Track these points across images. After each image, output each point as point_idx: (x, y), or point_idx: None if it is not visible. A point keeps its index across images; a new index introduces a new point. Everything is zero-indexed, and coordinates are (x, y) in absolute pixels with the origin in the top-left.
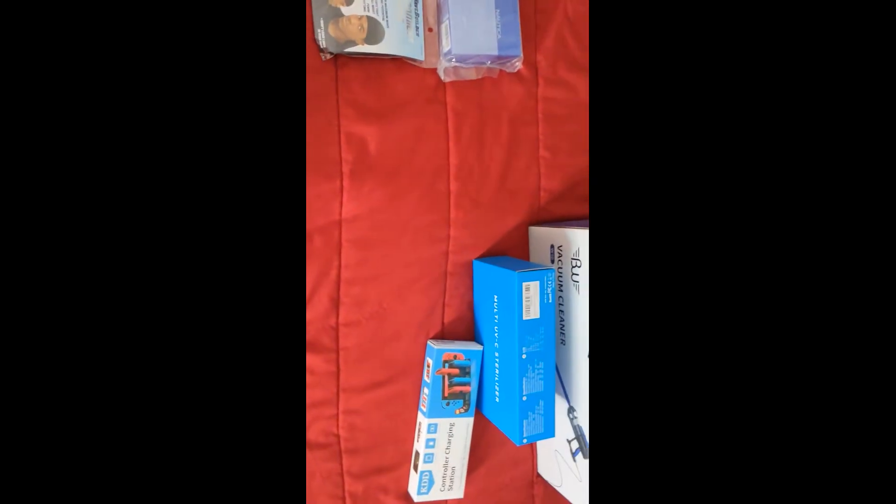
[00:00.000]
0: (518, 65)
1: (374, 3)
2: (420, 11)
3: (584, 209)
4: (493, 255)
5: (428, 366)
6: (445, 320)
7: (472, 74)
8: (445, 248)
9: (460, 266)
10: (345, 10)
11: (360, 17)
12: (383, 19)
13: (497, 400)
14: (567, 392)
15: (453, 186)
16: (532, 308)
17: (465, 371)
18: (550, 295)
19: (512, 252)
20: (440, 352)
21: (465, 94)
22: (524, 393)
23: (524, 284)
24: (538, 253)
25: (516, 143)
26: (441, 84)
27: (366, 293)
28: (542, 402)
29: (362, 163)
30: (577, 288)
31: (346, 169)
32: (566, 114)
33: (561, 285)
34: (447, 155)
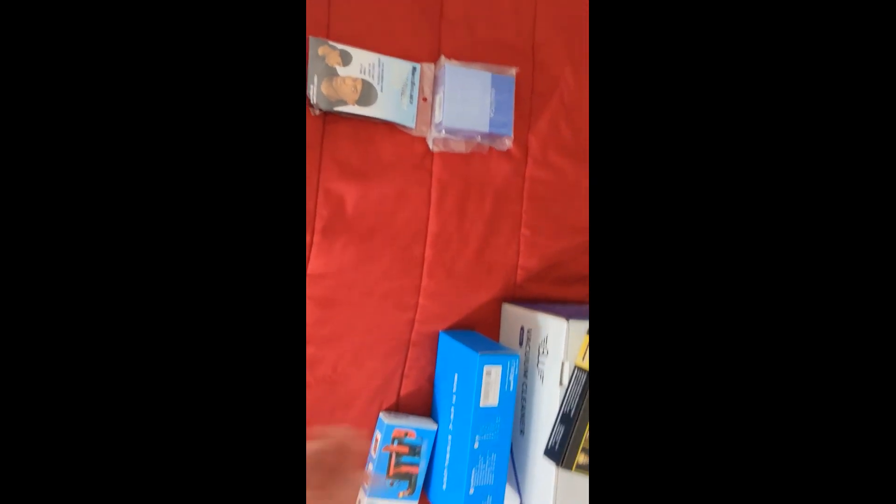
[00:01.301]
0: (508, 143)
1: (372, 69)
2: (417, 81)
3: (560, 292)
4: (462, 328)
5: (376, 440)
6: (402, 392)
7: (461, 147)
8: (412, 317)
9: (425, 336)
10: (341, 70)
11: (355, 79)
12: (378, 84)
13: (444, 487)
14: (520, 486)
15: (428, 253)
16: (491, 394)
17: (414, 451)
18: (512, 382)
19: (481, 327)
20: (391, 427)
21: (452, 166)
22: (472, 485)
23: (486, 368)
24: (508, 333)
25: (498, 218)
26: (429, 153)
27: (320, 354)
28: (490, 498)
29: (337, 220)
30: (542, 377)
31: (318, 224)
32: (551, 196)
33: (526, 372)
34: (426, 221)
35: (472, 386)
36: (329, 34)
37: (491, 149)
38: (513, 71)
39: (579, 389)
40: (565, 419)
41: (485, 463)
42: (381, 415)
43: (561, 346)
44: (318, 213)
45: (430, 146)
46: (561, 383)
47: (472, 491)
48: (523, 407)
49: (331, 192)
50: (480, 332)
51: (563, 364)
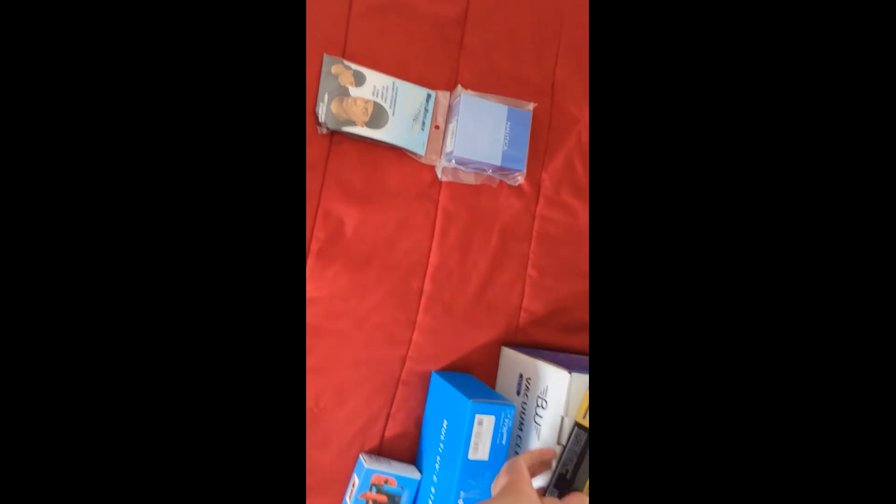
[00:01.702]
0: (520, 179)
1: (385, 91)
2: (431, 108)
3: (565, 340)
4: (457, 370)
5: (353, 484)
6: (387, 434)
7: (470, 179)
8: (404, 353)
9: (416, 376)
10: (353, 90)
11: (367, 101)
12: (390, 107)
13: None
14: None
15: (427, 287)
16: (481, 446)
17: (393, 500)
18: (505, 434)
19: (478, 371)
20: (370, 472)
21: (460, 197)
22: None
23: (477, 417)
24: (505, 379)
25: (504, 256)
26: (437, 182)
27: None
28: None
29: (334, 244)
30: (538, 432)
31: (314, 247)
32: (562, 237)
33: (521, 423)
34: (428, 253)
35: (462, 435)
36: (345, 53)
37: (502, 183)
38: (530, 106)
39: (578, 449)
40: (561, 482)
41: None
42: (362, 456)
43: (561, 400)
44: (314, 235)
45: (439, 175)
46: (559, 441)
47: None
48: None
49: (330, 213)
50: (476, 375)
51: (562, 419)
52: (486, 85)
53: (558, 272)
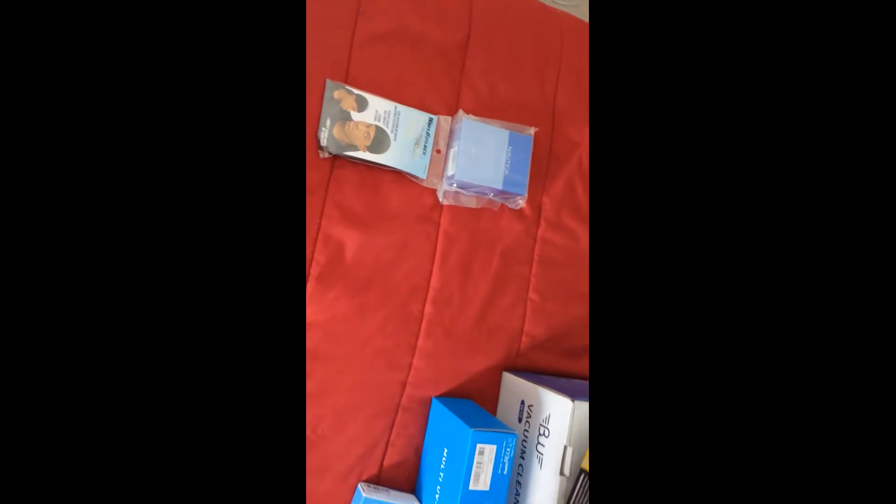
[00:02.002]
0: (521, 203)
1: (387, 116)
2: (433, 132)
3: (567, 364)
4: (458, 395)
5: None
6: (385, 463)
7: (472, 203)
8: (404, 378)
9: (416, 402)
10: (355, 115)
11: (369, 126)
12: (392, 132)
13: None
14: None
15: (428, 310)
16: (482, 477)
17: None
18: (507, 464)
19: (479, 397)
20: (368, 502)
21: (461, 220)
22: None
23: (479, 446)
24: (507, 406)
25: (505, 279)
26: (438, 206)
27: None
28: None
29: (334, 268)
30: (541, 462)
31: (314, 271)
32: (564, 260)
33: (523, 452)
34: (429, 276)
35: (462, 465)
36: (347, 78)
37: (503, 206)
38: (531, 130)
39: (585, 501)
40: None
41: None
42: (360, 486)
43: (564, 429)
44: (314, 259)
45: (440, 199)
46: (562, 472)
47: None
48: (517, 493)
49: (331, 237)
50: (477, 401)
51: (565, 449)
52: (487, 110)
53: (560, 296)
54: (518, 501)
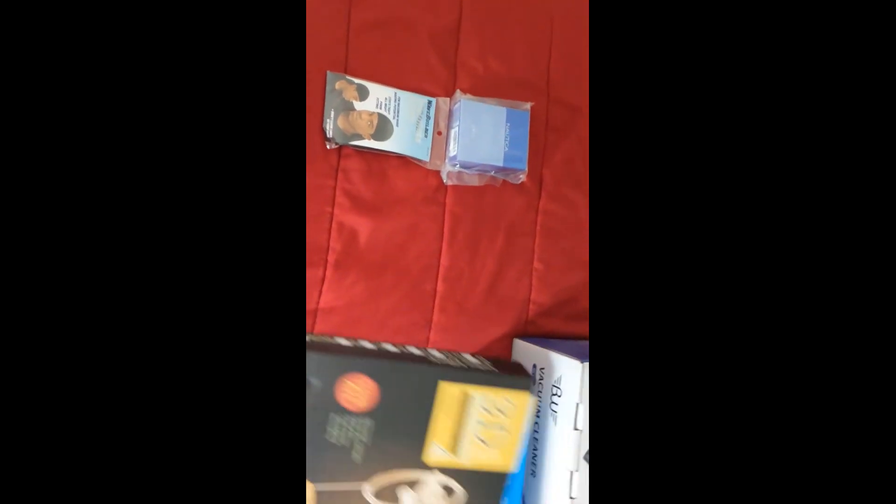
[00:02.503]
0: (522, 177)
1: (388, 103)
2: (432, 114)
3: (572, 328)
4: None
5: None
6: None
7: (474, 181)
8: None
9: None
10: (357, 104)
11: (371, 114)
12: (394, 118)
13: None
14: None
15: (440, 288)
16: None
17: None
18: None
19: None
20: None
21: (466, 199)
22: None
23: None
24: None
25: (511, 252)
26: (442, 186)
27: None
28: None
29: (349, 254)
30: (555, 419)
31: (331, 258)
32: (564, 229)
33: (538, 411)
34: (439, 255)
35: None
36: (346, 69)
37: (505, 182)
38: (528, 106)
39: None
40: None
41: None
42: None
43: (576, 388)
44: (330, 246)
45: (444, 179)
46: (576, 427)
47: None
48: (535, 448)
49: (344, 225)
50: None
51: (577, 406)
52: (484, 88)
53: (562, 264)
54: (536, 453)
